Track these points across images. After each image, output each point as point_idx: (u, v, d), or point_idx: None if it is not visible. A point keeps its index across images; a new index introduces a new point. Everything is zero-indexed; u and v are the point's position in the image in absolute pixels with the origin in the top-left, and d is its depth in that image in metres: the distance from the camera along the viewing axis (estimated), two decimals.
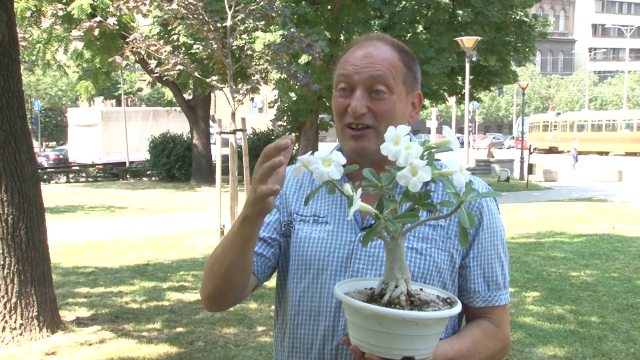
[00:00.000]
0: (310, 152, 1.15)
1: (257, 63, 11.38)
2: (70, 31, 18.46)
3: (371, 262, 1.40)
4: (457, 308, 1.16)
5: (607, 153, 41.19)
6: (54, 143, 49.32)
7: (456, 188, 1.09)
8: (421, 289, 1.23)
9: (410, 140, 1.11)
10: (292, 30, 10.82)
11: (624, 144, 41.22)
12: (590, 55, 76.40)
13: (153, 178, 24.49)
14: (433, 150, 1.12)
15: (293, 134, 1.22)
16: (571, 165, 30.30)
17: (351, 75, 1.43)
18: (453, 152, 1.14)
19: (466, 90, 17.28)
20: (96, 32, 11.39)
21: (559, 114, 50.17)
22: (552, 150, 46.17)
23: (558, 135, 46.01)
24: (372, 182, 1.12)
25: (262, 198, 1.19)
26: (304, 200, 1.48)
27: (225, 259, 1.34)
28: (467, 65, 16.75)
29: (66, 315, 5.67)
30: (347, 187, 1.13)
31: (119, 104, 45.69)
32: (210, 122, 24.03)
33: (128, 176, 25.35)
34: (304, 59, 15.38)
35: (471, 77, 18.01)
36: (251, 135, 22.09)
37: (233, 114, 9.93)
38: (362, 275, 1.39)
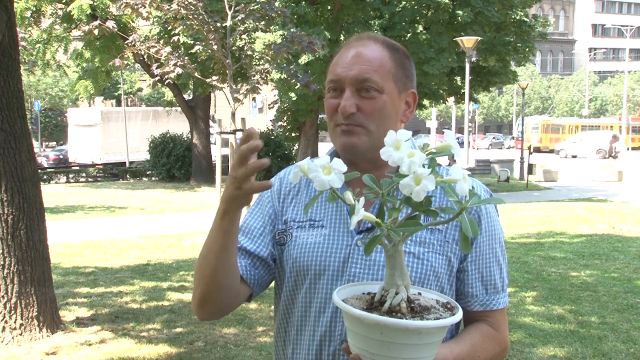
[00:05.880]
0: (309, 157, 1.13)
1: (257, 63, 11.38)
2: (70, 31, 18.47)
3: (368, 266, 1.39)
4: (459, 314, 1.15)
5: None
6: (54, 143, 49.31)
7: (458, 196, 1.07)
8: (419, 293, 1.22)
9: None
10: (292, 30, 10.82)
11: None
12: (590, 55, 76.40)
13: (153, 178, 24.46)
14: (434, 155, 1.09)
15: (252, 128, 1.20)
16: None
17: (340, 76, 1.43)
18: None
19: (466, 91, 17.27)
20: (96, 32, 11.41)
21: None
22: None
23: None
24: (372, 189, 1.10)
25: (249, 194, 1.22)
26: (303, 209, 1.46)
27: (211, 257, 1.34)
28: (467, 66, 16.74)
29: (66, 315, 5.66)
30: (349, 196, 1.11)
31: (119, 104, 45.67)
32: (210, 122, 24.01)
33: (128, 176, 25.34)
34: (304, 59, 15.39)
35: (471, 78, 18.00)
36: None
37: (233, 114, 9.94)
38: (359, 279, 1.38)
